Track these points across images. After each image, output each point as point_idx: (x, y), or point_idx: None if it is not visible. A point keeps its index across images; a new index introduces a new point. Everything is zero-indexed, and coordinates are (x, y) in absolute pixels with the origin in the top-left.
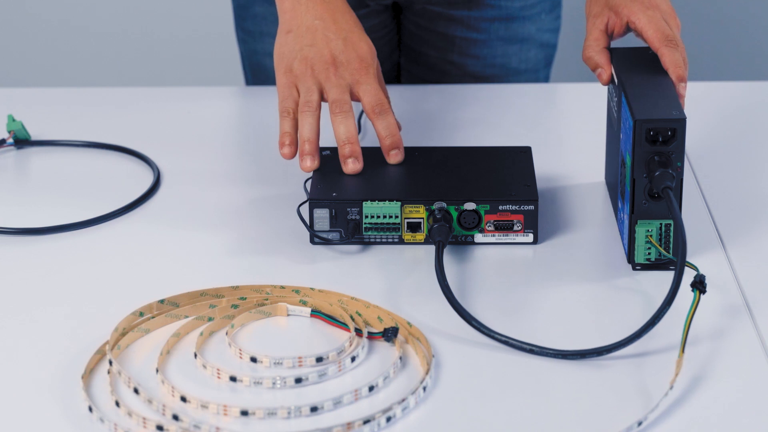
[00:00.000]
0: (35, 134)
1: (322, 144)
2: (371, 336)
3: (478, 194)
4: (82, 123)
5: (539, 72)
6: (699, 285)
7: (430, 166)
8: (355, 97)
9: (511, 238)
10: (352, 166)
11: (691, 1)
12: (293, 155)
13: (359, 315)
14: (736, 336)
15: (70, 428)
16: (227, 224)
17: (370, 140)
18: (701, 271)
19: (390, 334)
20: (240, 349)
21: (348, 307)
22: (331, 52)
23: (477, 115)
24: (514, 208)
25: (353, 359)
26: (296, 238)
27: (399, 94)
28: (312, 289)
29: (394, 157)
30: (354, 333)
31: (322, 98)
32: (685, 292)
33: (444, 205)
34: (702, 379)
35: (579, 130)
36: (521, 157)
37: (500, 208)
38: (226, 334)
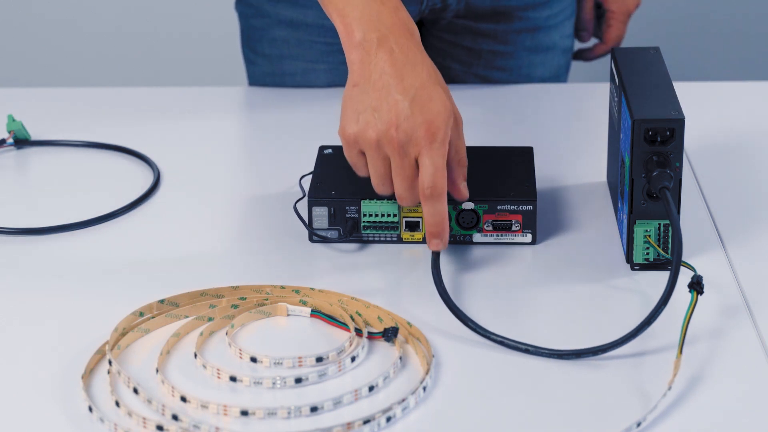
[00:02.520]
0: (35, 134)
1: (324, 142)
2: (371, 336)
3: (476, 194)
4: (82, 123)
5: (561, 77)
6: (696, 286)
7: None
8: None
9: (510, 238)
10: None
11: (691, 1)
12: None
13: (359, 315)
14: (736, 336)
15: (70, 428)
16: (227, 224)
17: None
18: (700, 271)
19: (390, 334)
20: (240, 349)
21: (348, 307)
22: (396, 120)
23: (477, 115)
24: (512, 208)
25: (353, 359)
26: (296, 236)
27: None
28: (312, 289)
29: (435, 246)
30: (354, 333)
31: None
32: (685, 292)
33: None
34: (701, 379)
35: (581, 130)
36: (522, 157)
37: (498, 207)
38: (226, 334)
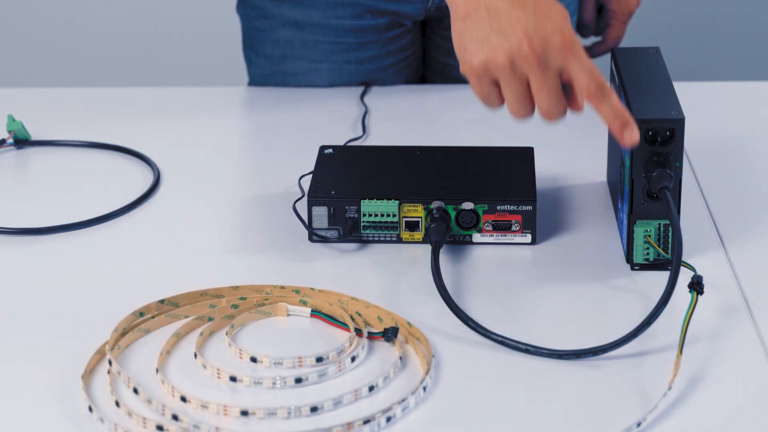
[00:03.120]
0: (35, 134)
1: (324, 142)
2: (371, 336)
3: (476, 194)
4: (82, 123)
5: None
6: (696, 286)
7: (431, 166)
8: (566, 81)
9: (509, 238)
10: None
11: (691, 1)
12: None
13: (359, 315)
14: (736, 336)
15: (70, 428)
16: (227, 224)
17: (372, 140)
18: (700, 271)
19: (390, 334)
20: (240, 349)
21: (348, 307)
22: (524, 34)
23: (477, 115)
24: (512, 208)
25: (353, 359)
26: (296, 236)
27: (400, 94)
28: (312, 289)
29: (629, 138)
30: (354, 333)
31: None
32: (685, 292)
33: (442, 204)
34: (701, 379)
35: (581, 130)
36: (523, 157)
37: (498, 208)
38: (226, 334)
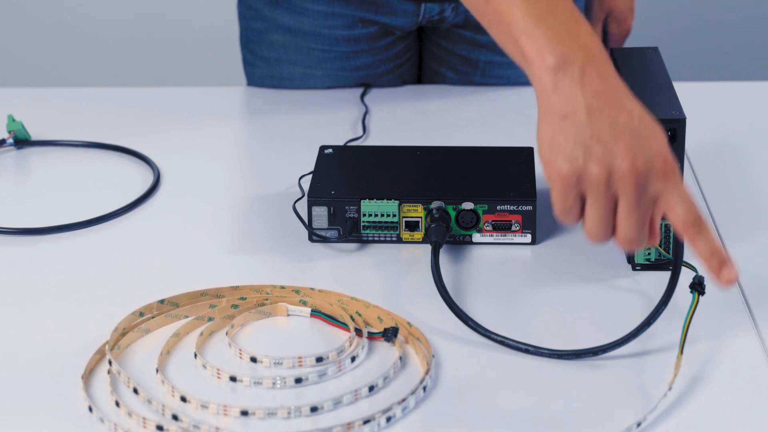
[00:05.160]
0: (35, 134)
1: (324, 142)
2: (371, 336)
3: (476, 194)
4: (82, 123)
5: None
6: (698, 286)
7: (430, 166)
8: (659, 210)
9: (509, 238)
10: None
11: (691, 1)
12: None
13: (359, 315)
14: (736, 336)
15: (70, 428)
16: (227, 224)
17: (372, 140)
18: (701, 272)
19: (390, 334)
20: (240, 349)
21: (348, 307)
22: (629, 151)
23: (477, 116)
24: (512, 208)
25: (353, 359)
26: (295, 236)
27: (400, 94)
28: (312, 289)
29: (727, 277)
30: (354, 333)
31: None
32: (686, 292)
33: (442, 204)
34: (701, 379)
35: None
36: (523, 157)
37: (498, 208)
38: (226, 334)
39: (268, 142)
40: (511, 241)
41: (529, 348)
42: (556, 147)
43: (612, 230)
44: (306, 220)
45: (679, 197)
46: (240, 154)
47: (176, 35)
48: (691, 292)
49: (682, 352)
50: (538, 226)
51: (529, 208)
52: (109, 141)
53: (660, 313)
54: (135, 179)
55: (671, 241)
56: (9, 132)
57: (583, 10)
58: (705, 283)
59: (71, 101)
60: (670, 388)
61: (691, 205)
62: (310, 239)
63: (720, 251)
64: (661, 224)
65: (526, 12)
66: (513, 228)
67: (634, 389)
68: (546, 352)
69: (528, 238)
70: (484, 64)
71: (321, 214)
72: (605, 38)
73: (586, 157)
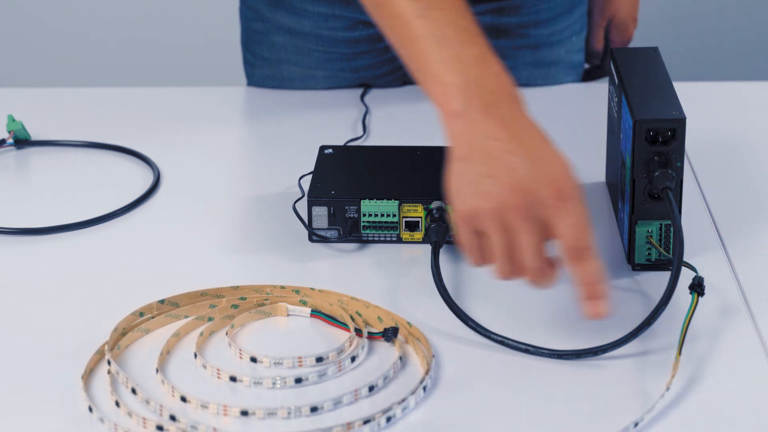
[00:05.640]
0: (35, 134)
1: (324, 142)
2: (371, 336)
3: None
4: (82, 123)
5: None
6: (697, 287)
7: (430, 166)
8: (549, 236)
9: None
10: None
11: (691, 1)
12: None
13: (359, 315)
14: (736, 336)
15: (70, 428)
16: (227, 224)
17: (372, 140)
18: (701, 271)
19: (390, 334)
20: (240, 349)
21: (348, 307)
22: (518, 182)
23: None
24: None
25: (353, 359)
26: (295, 236)
27: (400, 94)
28: (312, 289)
29: (595, 311)
30: (354, 333)
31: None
32: (686, 292)
33: (442, 204)
34: (700, 379)
35: (579, 130)
36: None
37: None
38: (226, 334)
39: (268, 143)
40: None
41: (529, 348)
42: (454, 188)
43: (519, 266)
44: (306, 220)
45: (567, 223)
46: (240, 154)
47: (177, 35)
48: (691, 293)
49: (680, 352)
50: None
51: None
52: (109, 141)
53: (660, 314)
54: (135, 179)
55: (671, 241)
56: (9, 132)
57: (584, 15)
58: (704, 284)
59: (71, 101)
60: (667, 389)
61: (580, 232)
62: (310, 239)
63: (596, 285)
64: (661, 225)
65: (437, 59)
66: None
67: (634, 389)
68: (546, 352)
69: None
70: None
71: (321, 214)
72: (606, 44)
73: (479, 192)
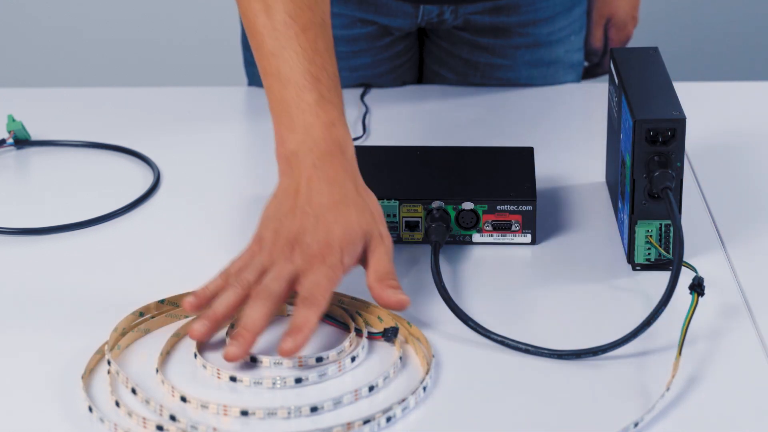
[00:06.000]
0: (35, 134)
1: None
2: (371, 336)
3: (476, 194)
4: (82, 123)
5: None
6: (697, 288)
7: (430, 166)
8: (293, 286)
9: (509, 238)
10: (233, 349)
11: (691, 1)
12: (205, 333)
13: (359, 315)
14: (736, 336)
15: (70, 428)
16: (227, 224)
17: (372, 140)
18: (701, 271)
19: (390, 334)
20: None
21: (348, 307)
22: (298, 229)
23: (477, 116)
24: (512, 208)
25: (353, 359)
26: None
27: (400, 94)
28: None
29: (285, 344)
30: (354, 333)
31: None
32: (686, 292)
33: (442, 204)
34: (700, 379)
35: (579, 130)
36: (523, 157)
37: (498, 208)
38: (227, 334)
39: (268, 142)
40: (511, 241)
41: (529, 348)
42: (264, 215)
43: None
44: None
45: (310, 278)
46: (240, 154)
47: (177, 35)
48: (691, 293)
49: (680, 353)
50: (538, 226)
51: (529, 208)
52: (109, 141)
53: (660, 314)
54: (135, 179)
55: (671, 241)
56: (9, 132)
57: (584, 15)
58: (704, 284)
59: (71, 101)
60: (668, 389)
61: (315, 287)
62: None
63: (303, 329)
64: (661, 225)
65: (278, 98)
66: (513, 228)
67: (634, 389)
68: (546, 352)
69: (528, 238)
70: (484, 66)
71: None
72: (606, 43)
73: (271, 227)
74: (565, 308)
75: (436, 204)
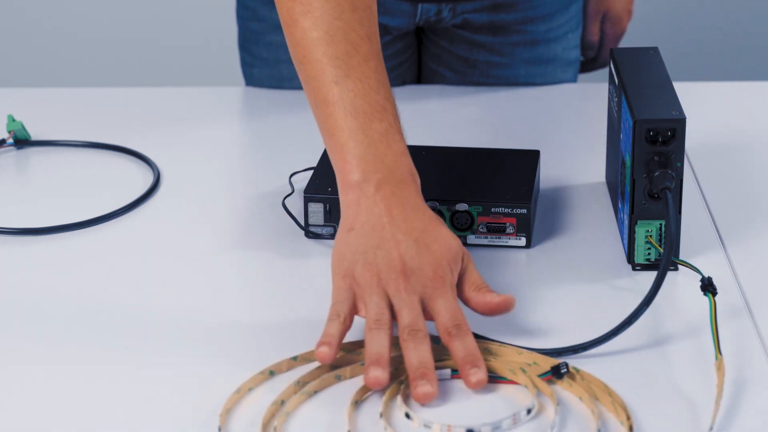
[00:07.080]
0: (35, 134)
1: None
2: (543, 378)
3: (470, 195)
4: (82, 123)
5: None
6: (709, 287)
7: (431, 166)
8: (427, 314)
9: (504, 240)
10: (427, 388)
11: (691, 1)
12: (332, 359)
13: (523, 372)
14: (736, 336)
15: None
16: (227, 224)
17: None
18: (703, 272)
19: (560, 372)
20: (407, 413)
21: (504, 358)
22: (401, 258)
23: (477, 116)
24: (506, 210)
25: (528, 411)
26: (295, 235)
27: (399, 94)
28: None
29: (474, 376)
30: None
31: (392, 311)
32: (686, 294)
33: (436, 205)
34: (700, 379)
35: (579, 130)
36: (527, 160)
37: (492, 210)
38: (399, 394)
39: (267, 142)
40: (506, 244)
41: (529, 348)
42: (341, 255)
43: (390, 325)
44: (303, 215)
45: (443, 304)
46: (239, 154)
47: (176, 35)
48: (705, 294)
49: (720, 352)
50: (537, 226)
51: (524, 211)
52: (109, 141)
53: (641, 313)
54: (135, 179)
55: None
56: (9, 132)
57: (580, 12)
58: (714, 282)
59: (71, 101)
60: (720, 394)
61: (453, 312)
62: (307, 235)
63: (473, 355)
64: (661, 225)
65: (343, 127)
66: (508, 231)
67: (634, 389)
68: (546, 352)
69: (522, 241)
70: (482, 64)
71: (317, 210)
72: (602, 38)
73: (364, 260)
74: (564, 308)
75: (430, 204)
